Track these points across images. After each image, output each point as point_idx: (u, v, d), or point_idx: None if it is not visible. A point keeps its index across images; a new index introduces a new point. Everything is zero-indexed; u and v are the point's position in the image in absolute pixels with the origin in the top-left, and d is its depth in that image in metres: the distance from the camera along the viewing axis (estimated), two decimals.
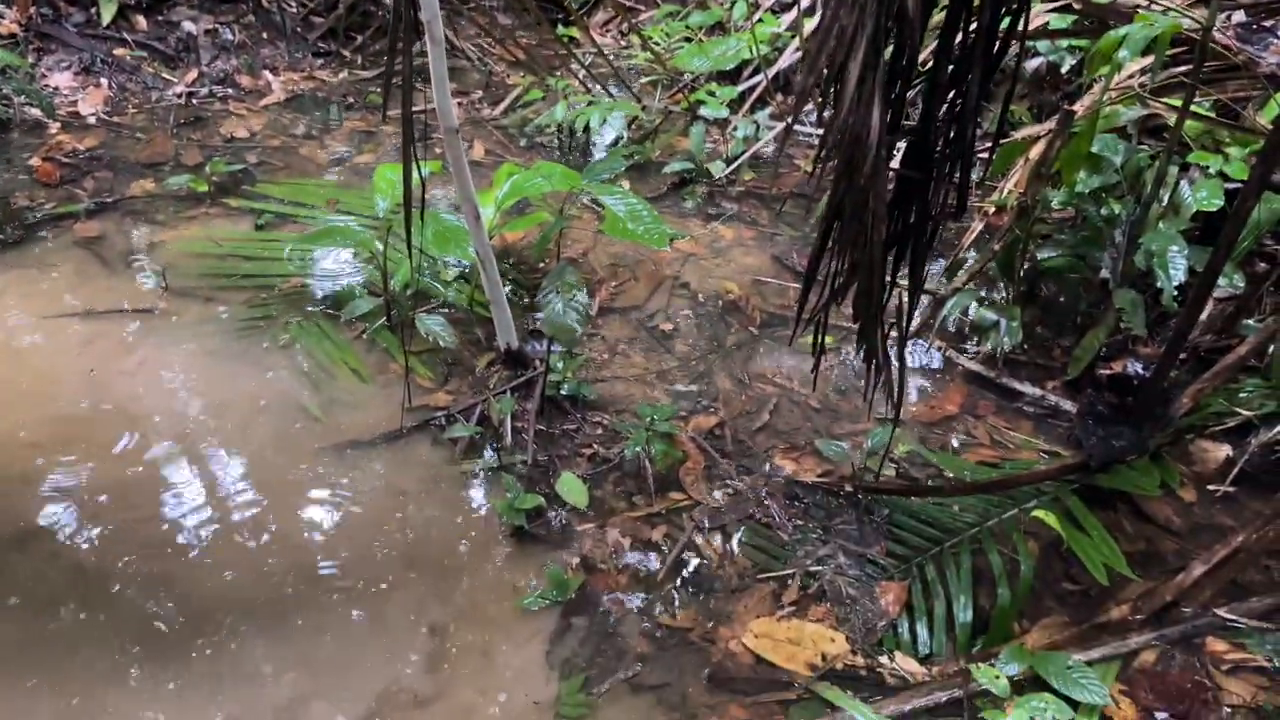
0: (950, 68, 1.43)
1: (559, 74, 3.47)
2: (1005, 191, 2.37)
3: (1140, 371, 2.12)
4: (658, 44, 3.55)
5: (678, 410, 2.10)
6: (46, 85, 3.08)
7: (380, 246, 2.23)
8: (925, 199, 1.54)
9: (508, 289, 2.21)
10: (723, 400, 2.16)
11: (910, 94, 1.49)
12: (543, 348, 2.17)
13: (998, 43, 1.41)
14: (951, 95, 1.45)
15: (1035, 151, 2.24)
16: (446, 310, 2.33)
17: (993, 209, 2.52)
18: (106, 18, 3.37)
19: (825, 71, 1.29)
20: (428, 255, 2.38)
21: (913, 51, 1.36)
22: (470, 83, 3.63)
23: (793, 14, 3.47)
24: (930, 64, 1.46)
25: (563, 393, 2.09)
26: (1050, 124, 2.31)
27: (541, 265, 2.53)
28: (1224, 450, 1.99)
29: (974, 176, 2.80)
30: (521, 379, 2.12)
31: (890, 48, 1.36)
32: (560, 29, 3.80)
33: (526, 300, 2.40)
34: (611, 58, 3.60)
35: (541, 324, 2.05)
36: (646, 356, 2.29)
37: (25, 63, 2.97)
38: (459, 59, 3.65)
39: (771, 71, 3.29)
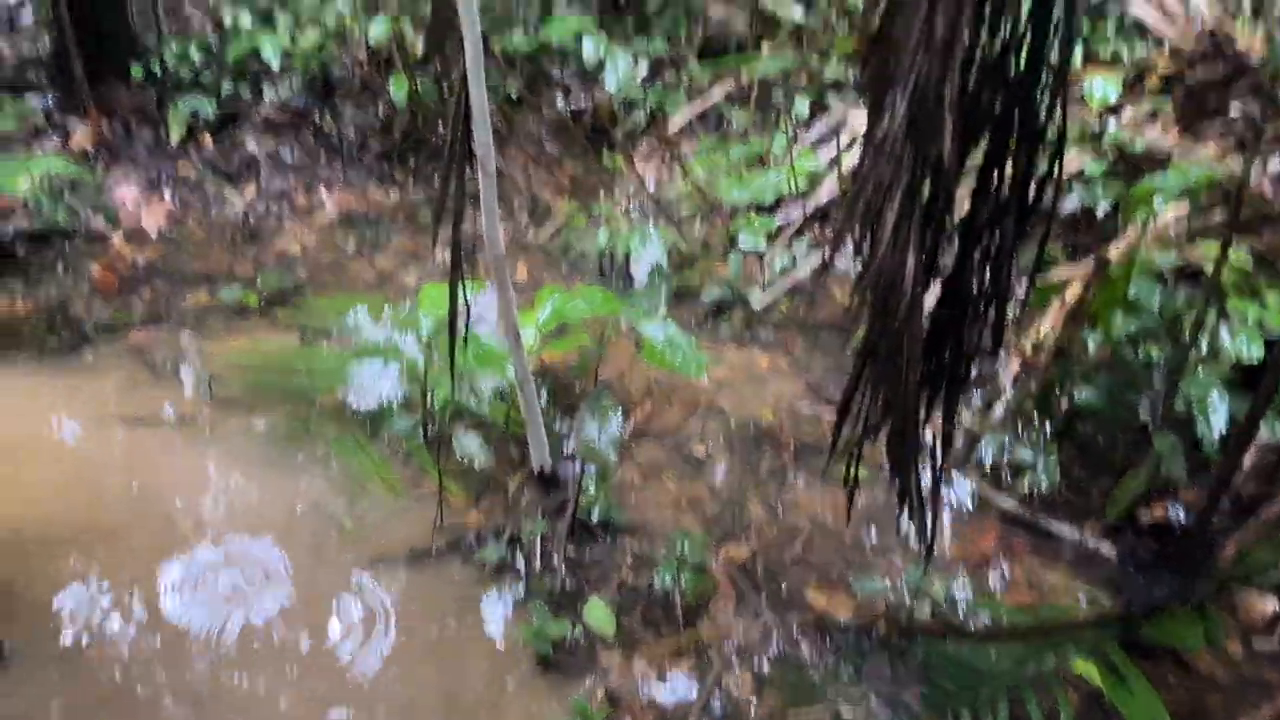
0: (985, 214, 1.46)
1: (602, 201, 3.58)
2: (1042, 333, 2.38)
3: (1181, 518, 2.08)
4: (697, 175, 3.66)
5: (709, 539, 2.08)
6: (115, 198, 3.22)
7: (421, 364, 2.27)
8: (960, 341, 1.56)
9: (543, 407, 2.24)
10: (755, 530, 2.14)
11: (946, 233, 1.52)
12: (576, 470, 2.17)
13: (1032, 189, 1.45)
14: (986, 239, 1.48)
15: (1071, 294, 2.26)
16: (482, 428, 2.35)
17: (1030, 348, 2.53)
18: (175, 138, 3.54)
19: (862, 217, 1.33)
20: (467, 373, 2.41)
21: (948, 199, 1.40)
22: (517, 206, 3.75)
23: (831, 150, 3.57)
24: (966, 208, 1.49)
25: (594, 517, 2.09)
26: (1085, 266, 2.34)
27: (579, 388, 2.56)
28: (1270, 604, 1.93)
29: (1010, 312, 2.82)
30: (553, 501, 2.12)
31: (926, 193, 1.40)
32: (605, 157, 3.93)
33: (562, 422, 2.42)
34: (653, 187, 3.71)
35: (576, 448, 2.06)
36: (679, 482, 2.29)
37: (94, 177, 3.12)
38: (506, 183, 3.78)
39: (810, 205, 3.37)
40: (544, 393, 2.44)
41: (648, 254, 3.17)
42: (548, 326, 2.38)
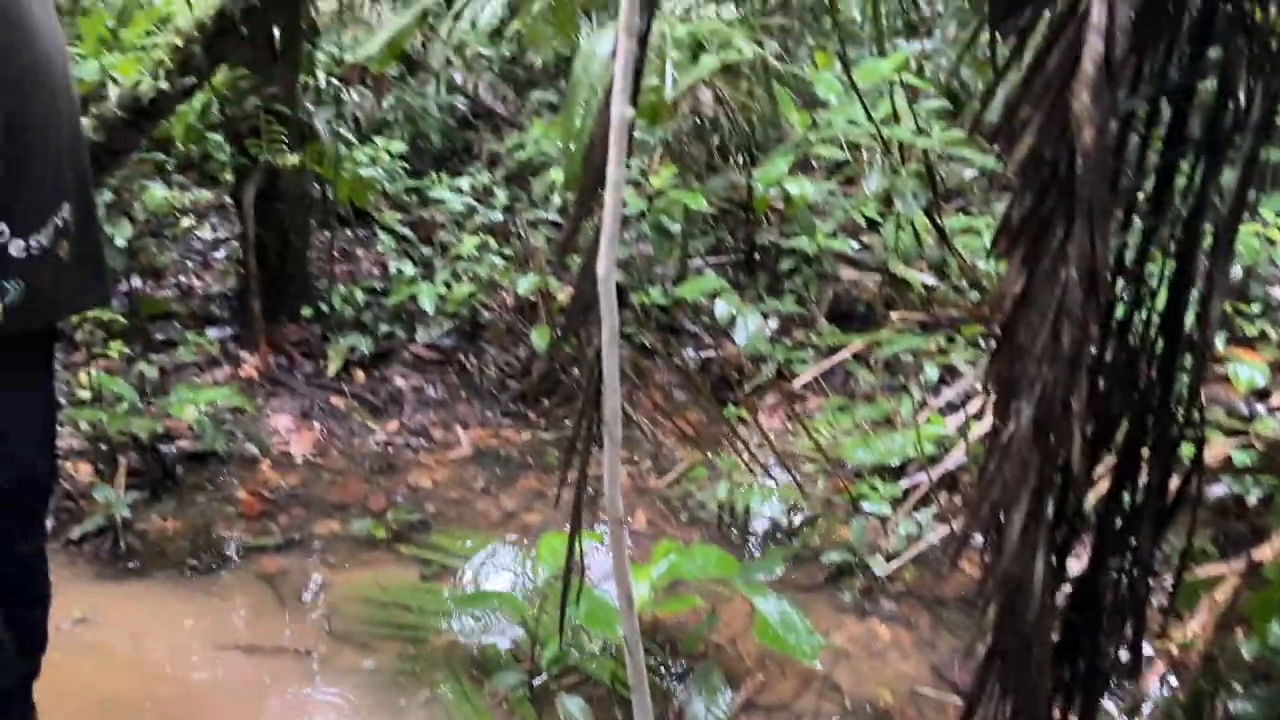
0: (1119, 518, 1.42)
1: (724, 452, 3.62)
2: (1190, 633, 2.22)
3: None
4: (821, 433, 3.68)
5: None
6: (268, 425, 3.45)
7: (534, 615, 2.28)
8: (1096, 648, 1.47)
9: (651, 666, 2.19)
10: None
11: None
12: None
13: (1171, 490, 1.40)
14: (1121, 544, 1.43)
15: (1221, 595, 2.12)
16: (588, 686, 2.30)
17: (1177, 648, 2.35)
18: (332, 370, 3.81)
19: (988, 519, 1.31)
20: (578, 628, 2.40)
21: (1078, 502, 1.37)
22: (641, 453, 3.83)
23: (960, 417, 3.55)
24: (1100, 506, 1.45)
25: None
26: (1237, 564, 2.20)
27: (690, 651, 2.50)
28: None
29: (1154, 611, 2.64)
30: None
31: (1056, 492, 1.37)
32: (731, 409, 4.01)
33: (669, 683, 2.35)
34: (776, 441, 3.74)
35: None
36: None
37: (254, 406, 3.36)
38: (632, 429, 3.88)
39: (937, 472, 3.32)
40: (654, 653, 2.39)
41: (767, 511, 3.15)
42: (661, 583, 2.37)
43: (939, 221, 4.10)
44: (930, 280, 4.46)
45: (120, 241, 3.32)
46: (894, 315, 3.93)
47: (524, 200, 5.81)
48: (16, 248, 1.35)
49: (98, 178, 2.88)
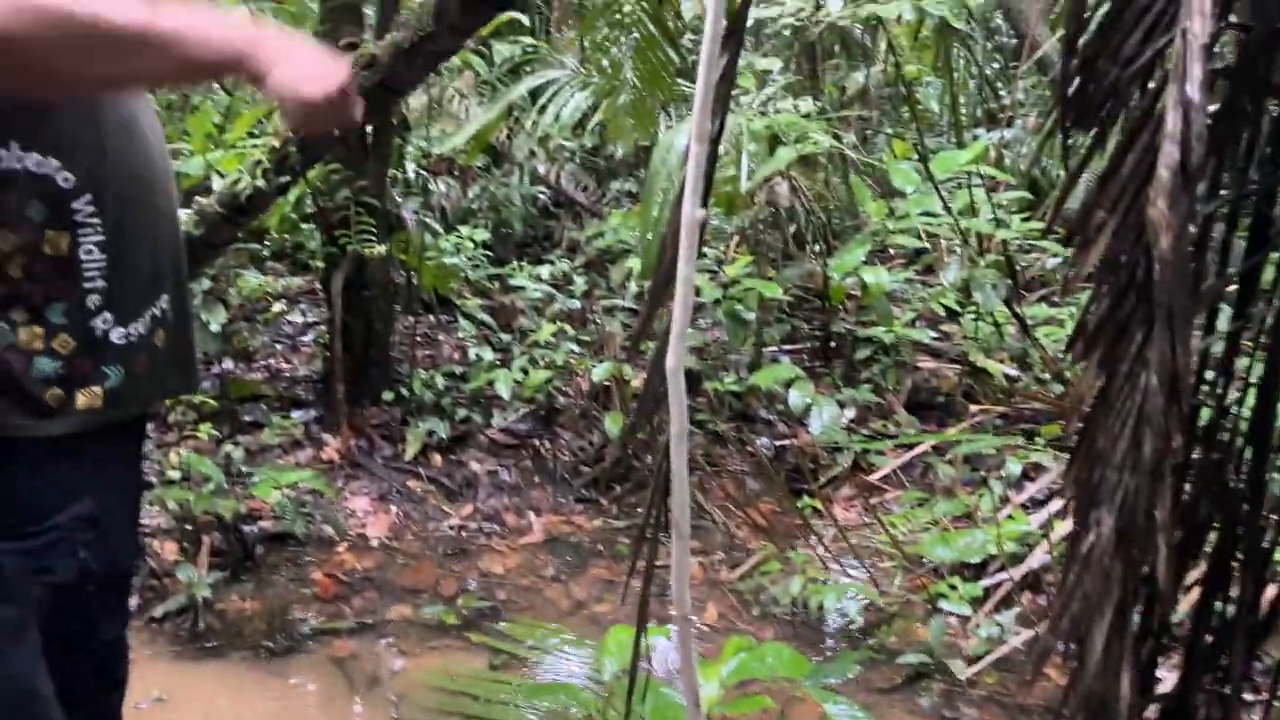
0: (1209, 633, 1.35)
1: (798, 545, 3.56)
2: None
3: None
4: (898, 527, 3.60)
5: None
6: (346, 507, 3.51)
7: (600, 709, 2.24)
8: None
9: None
10: None
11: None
12: None
13: (1265, 604, 1.34)
14: (1212, 660, 1.36)
15: None
16: None
17: None
18: (410, 454, 3.88)
19: (1069, 633, 1.26)
20: None
21: (1166, 614, 1.31)
22: (713, 543, 3.79)
23: (1044, 514, 3.44)
24: (1189, 618, 1.39)
25: None
26: None
27: None
28: None
29: None
30: None
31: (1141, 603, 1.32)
32: (805, 500, 3.95)
33: None
34: (852, 535, 3.67)
35: None
36: None
37: (333, 488, 3.43)
38: (704, 519, 3.85)
39: (1019, 571, 3.21)
40: None
41: (842, 608, 3.07)
42: (730, 682, 2.32)
43: (1019, 312, 4.04)
44: (1012, 371, 4.37)
45: (215, 326, 3.46)
46: (974, 408, 3.85)
47: (601, 286, 5.91)
48: (117, 335, 1.42)
49: (196, 268, 3.03)
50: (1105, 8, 1.25)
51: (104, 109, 1.34)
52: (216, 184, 3.28)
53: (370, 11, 4.08)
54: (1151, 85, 1.19)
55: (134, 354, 1.42)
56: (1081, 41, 1.28)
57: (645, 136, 4.52)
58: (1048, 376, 4.27)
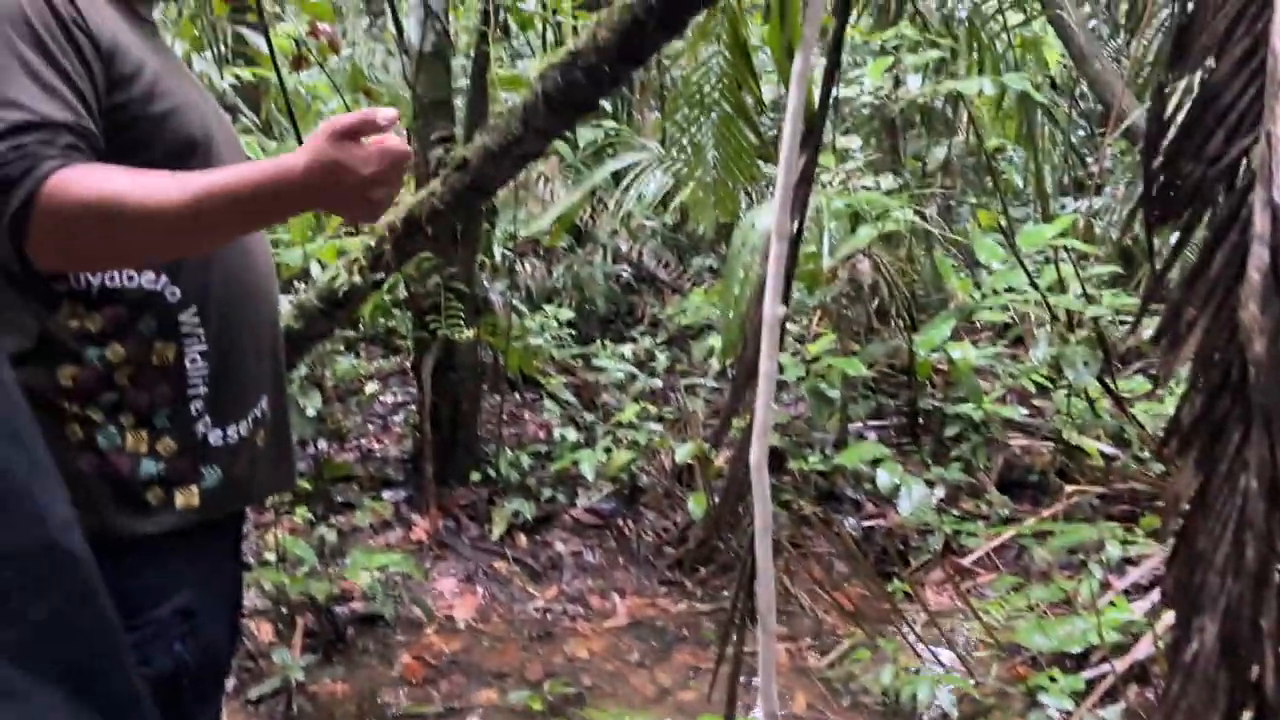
0: None
1: (888, 632, 3.46)
2: None
3: None
4: (992, 614, 3.48)
5: None
6: (434, 588, 3.56)
7: None
8: None
9: None
10: None
11: None
12: None
13: None
14: None
15: None
16: None
17: None
18: (496, 534, 3.93)
19: None
20: None
21: None
22: (800, 629, 3.72)
23: (1148, 601, 3.29)
24: None
25: None
26: None
27: None
28: None
29: None
30: None
31: None
32: (894, 583, 3.85)
33: None
34: (944, 621, 3.56)
35: None
36: None
37: (422, 571, 3.48)
38: (790, 604, 3.78)
39: (1123, 663, 3.06)
40: None
41: (935, 699, 2.97)
42: None
43: (1114, 389, 3.93)
44: (1109, 449, 4.24)
45: (311, 411, 3.58)
46: (1069, 488, 3.73)
47: (684, 361, 5.95)
48: (216, 437, 1.47)
49: (293, 360, 3.16)
50: (1187, 107, 1.25)
51: None
52: (315, 271, 3.43)
53: (460, 103, 4.25)
54: (1237, 184, 1.18)
55: (233, 455, 1.48)
56: (1165, 142, 1.27)
57: (727, 217, 4.57)
58: (1147, 455, 4.12)
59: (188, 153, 1.35)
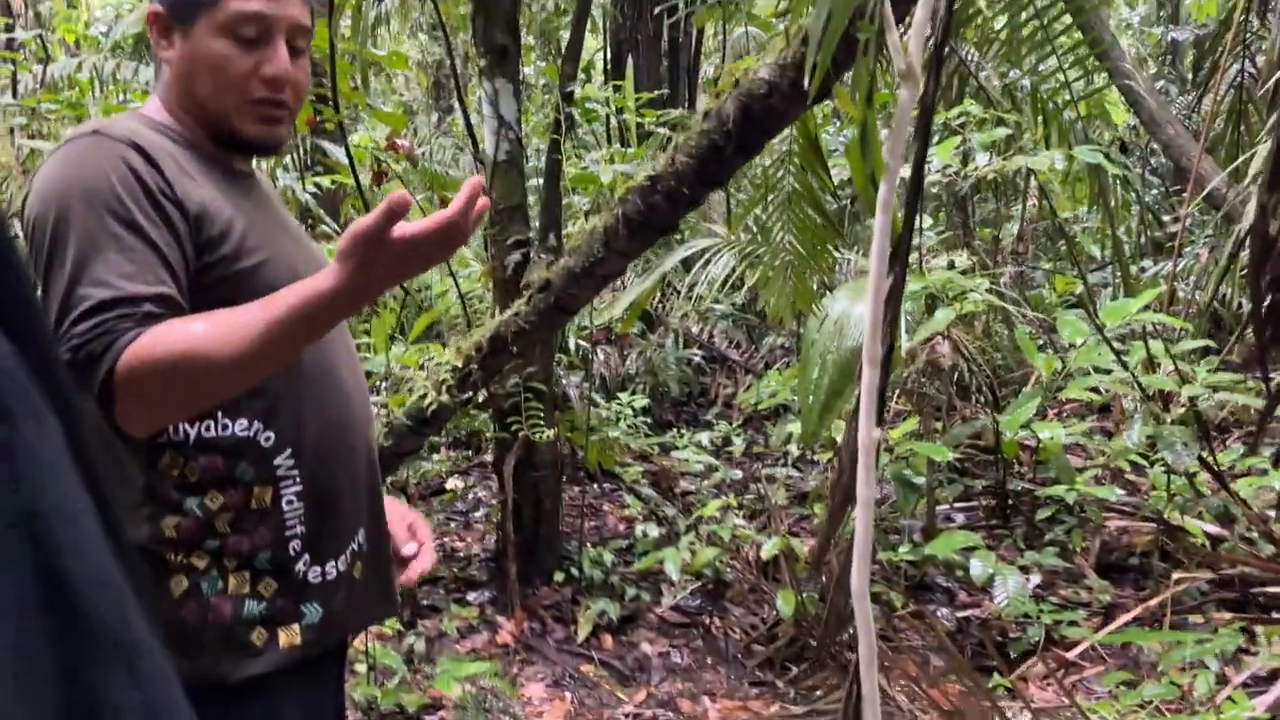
0: None
1: None
2: None
3: None
4: (1100, 712, 3.32)
5: None
6: (522, 695, 3.52)
7: None
8: None
9: None
10: None
11: None
12: None
13: None
14: None
15: None
16: None
17: None
18: (581, 635, 3.89)
19: None
20: None
21: None
22: None
23: (1269, 696, 3.11)
24: None
25: None
26: None
27: None
28: None
29: None
30: None
31: None
32: (994, 678, 3.71)
33: None
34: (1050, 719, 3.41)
35: None
36: None
37: (509, 684, 3.45)
38: (887, 705, 3.66)
39: None
40: None
41: None
42: None
43: (1217, 468, 3.78)
44: (1213, 529, 4.06)
45: None
46: (1176, 575, 3.58)
47: (760, 443, 5.90)
48: (314, 574, 1.48)
49: (383, 475, 3.20)
50: None
51: (301, 366, 1.41)
52: (397, 370, 3.50)
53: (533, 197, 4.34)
54: None
55: (333, 590, 1.48)
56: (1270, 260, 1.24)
57: (804, 308, 4.56)
58: (1255, 534, 3.94)
59: None
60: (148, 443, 1.34)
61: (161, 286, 1.25)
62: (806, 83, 1.69)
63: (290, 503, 1.42)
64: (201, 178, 1.38)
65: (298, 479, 1.42)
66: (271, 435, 1.40)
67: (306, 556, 1.45)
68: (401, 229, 1.22)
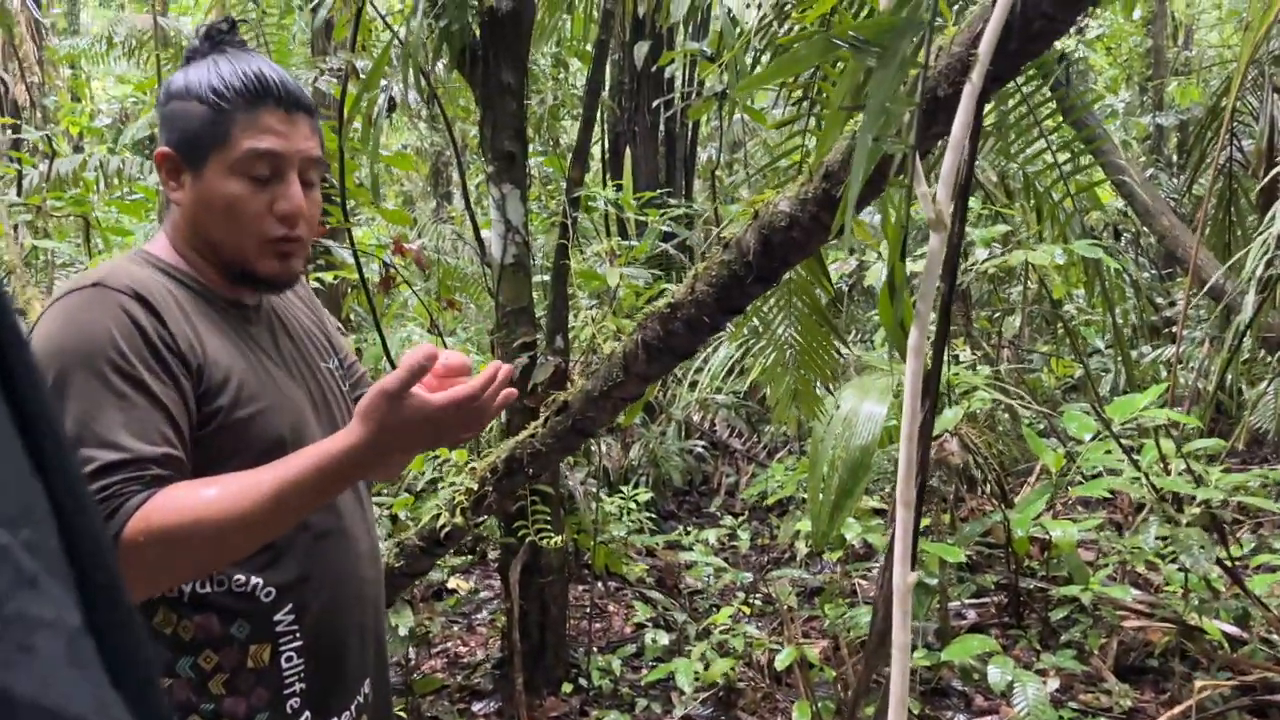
0: None
1: None
2: None
3: None
4: None
5: None
6: None
7: None
8: None
9: None
10: None
11: None
12: None
13: None
14: None
15: None
16: None
17: None
18: None
19: None
20: None
21: None
22: None
23: None
24: None
25: None
26: None
27: None
28: None
29: None
30: None
31: None
32: None
33: None
34: None
35: None
36: None
37: None
38: None
39: None
40: None
41: None
42: None
43: (1233, 567, 3.73)
44: (1232, 630, 3.99)
45: (404, 630, 3.53)
46: (1199, 683, 3.50)
47: (765, 534, 5.83)
48: None
49: (390, 596, 3.14)
50: None
51: (307, 519, 1.36)
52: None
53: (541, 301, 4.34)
54: None
55: None
56: None
57: (810, 416, 4.55)
58: (1275, 636, 3.88)
59: (276, 450, 1.31)
60: (141, 601, 1.29)
61: (167, 446, 1.21)
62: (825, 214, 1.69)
63: (290, 659, 1.36)
64: (205, 321, 1.34)
65: (298, 635, 1.37)
66: (272, 591, 1.34)
67: (308, 714, 1.39)
68: (419, 394, 1.19)
